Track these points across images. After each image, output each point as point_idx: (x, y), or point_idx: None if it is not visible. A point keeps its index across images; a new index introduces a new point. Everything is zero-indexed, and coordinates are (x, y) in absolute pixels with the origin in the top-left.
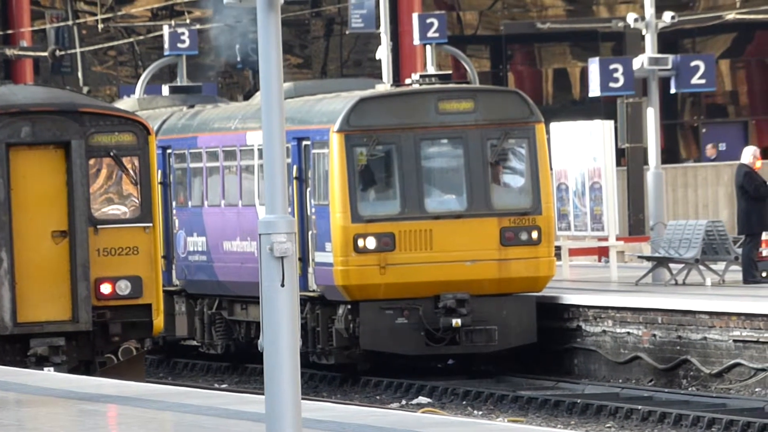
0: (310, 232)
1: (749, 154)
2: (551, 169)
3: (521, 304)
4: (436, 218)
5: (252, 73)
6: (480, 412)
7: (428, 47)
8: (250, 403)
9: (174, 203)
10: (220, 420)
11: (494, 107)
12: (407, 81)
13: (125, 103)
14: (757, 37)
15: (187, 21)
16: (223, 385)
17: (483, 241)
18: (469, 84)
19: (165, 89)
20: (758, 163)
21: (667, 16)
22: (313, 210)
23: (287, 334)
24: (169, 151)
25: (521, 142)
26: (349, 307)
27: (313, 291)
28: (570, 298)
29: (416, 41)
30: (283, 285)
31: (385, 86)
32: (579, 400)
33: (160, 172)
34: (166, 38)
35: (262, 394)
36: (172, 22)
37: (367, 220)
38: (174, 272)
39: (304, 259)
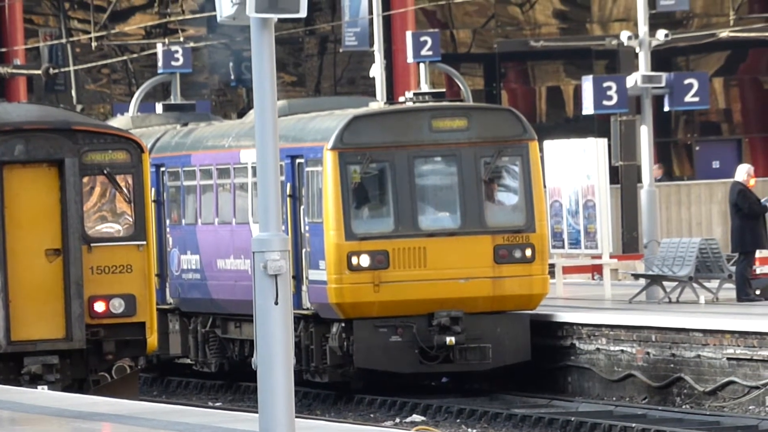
0: (303, 250)
1: (743, 172)
2: (545, 186)
3: (515, 321)
4: (430, 236)
5: (246, 91)
6: (474, 430)
7: (422, 65)
8: (244, 421)
9: (167, 221)
10: None
11: (488, 125)
12: (401, 99)
13: (119, 121)
14: (751, 55)
15: (181, 39)
16: (217, 404)
17: (477, 258)
18: (463, 102)
19: (159, 107)
20: (752, 181)
21: (661, 34)
22: (307, 228)
23: (281, 351)
24: (162, 168)
25: (515, 159)
26: (343, 325)
27: (307, 309)
28: (564, 316)
29: (410, 59)
30: (276, 303)
31: (378, 104)
32: (573, 418)
33: (153, 189)
34: (159, 56)
35: (256, 412)
36: (166, 40)
37: (361, 238)
38: (168, 290)
39: (297, 277)
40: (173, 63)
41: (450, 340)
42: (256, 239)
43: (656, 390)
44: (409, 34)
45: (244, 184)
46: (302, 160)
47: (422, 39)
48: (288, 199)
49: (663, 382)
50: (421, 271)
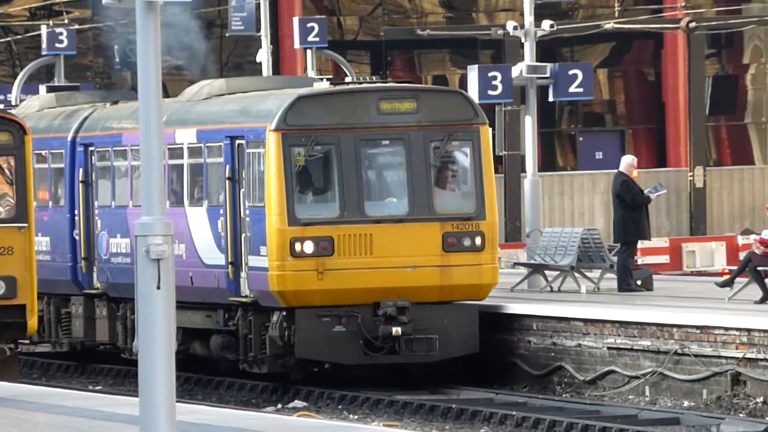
0: (243, 235)
1: (627, 163)
2: None
3: (463, 312)
4: (377, 222)
5: (131, 74)
6: (355, 417)
7: (308, 51)
8: (124, 405)
9: (96, 203)
10: (93, 422)
11: (437, 108)
12: (347, 80)
13: (40, 99)
14: (635, 46)
15: (66, 21)
16: (98, 387)
17: (425, 246)
18: (412, 84)
19: (42, 89)
20: (635, 172)
21: (546, 25)
22: (248, 212)
23: (162, 336)
24: (91, 148)
25: (465, 144)
26: (284, 313)
27: (246, 297)
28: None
29: (296, 45)
30: (159, 287)
31: (323, 84)
32: (454, 406)
33: (81, 170)
34: (44, 38)
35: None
36: (51, 22)
37: (305, 224)
38: (95, 275)
39: (236, 264)
40: (57, 45)
41: (396, 330)
42: (138, 223)
43: (537, 378)
44: (296, 20)
45: (178, 166)
46: (242, 142)
47: (309, 25)
48: (227, 181)
49: (544, 370)
50: (367, 259)
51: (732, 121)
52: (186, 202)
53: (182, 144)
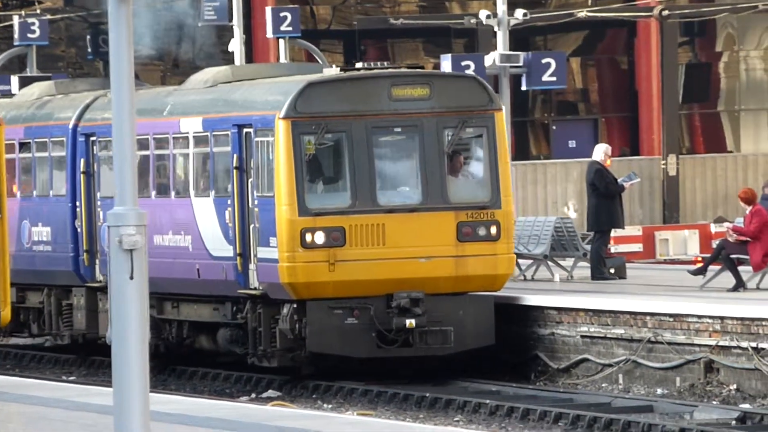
0: (252, 226)
1: (601, 152)
2: None
3: (479, 303)
4: (389, 212)
5: (103, 64)
6: (329, 406)
7: (281, 41)
8: (98, 395)
9: (98, 194)
10: (68, 412)
11: (451, 94)
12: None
13: (40, 87)
14: (608, 35)
15: (38, 11)
16: (71, 378)
17: (439, 236)
18: (424, 69)
19: (14, 80)
20: (609, 161)
21: (519, 14)
22: (256, 202)
23: (136, 326)
24: (93, 138)
25: (480, 131)
26: (294, 306)
27: (255, 289)
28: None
29: (269, 34)
30: (132, 278)
31: (333, 70)
32: (428, 394)
33: (83, 160)
34: (16, 28)
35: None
36: (23, 12)
37: (316, 214)
38: (97, 267)
39: (245, 255)
40: (29, 35)
41: (410, 322)
42: (111, 214)
43: (511, 367)
44: (268, 10)
45: (184, 155)
46: (251, 130)
47: (282, 14)
48: (234, 171)
49: (518, 359)
50: (380, 250)
51: (705, 109)
52: (192, 192)
53: (187, 133)
